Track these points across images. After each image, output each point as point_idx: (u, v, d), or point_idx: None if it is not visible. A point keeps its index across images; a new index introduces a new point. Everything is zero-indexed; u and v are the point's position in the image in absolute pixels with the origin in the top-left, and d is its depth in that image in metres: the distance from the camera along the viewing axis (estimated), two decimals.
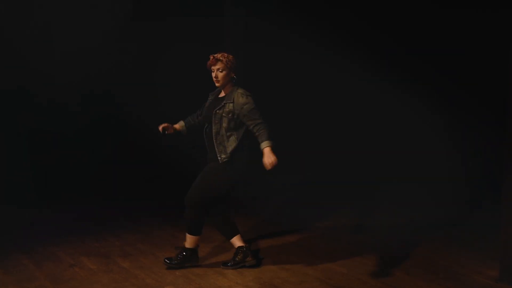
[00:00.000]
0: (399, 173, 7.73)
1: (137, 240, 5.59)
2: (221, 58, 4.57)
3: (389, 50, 8.23)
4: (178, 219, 6.07)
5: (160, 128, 4.77)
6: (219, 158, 4.58)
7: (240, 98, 4.56)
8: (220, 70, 4.58)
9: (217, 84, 4.64)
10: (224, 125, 4.56)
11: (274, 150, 4.39)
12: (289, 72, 7.98)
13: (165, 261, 4.74)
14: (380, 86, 8.07)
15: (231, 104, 4.56)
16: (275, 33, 7.92)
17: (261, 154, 4.41)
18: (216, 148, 4.60)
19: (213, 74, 4.61)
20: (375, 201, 7.07)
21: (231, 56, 4.61)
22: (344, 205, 6.92)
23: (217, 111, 4.59)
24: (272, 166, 4.34)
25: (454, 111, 7.93)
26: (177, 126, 4.88)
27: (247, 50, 7.29)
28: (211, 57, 4.59)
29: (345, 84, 8.25)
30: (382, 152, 8.08)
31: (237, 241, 4.79)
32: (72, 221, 6.35)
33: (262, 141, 4.43)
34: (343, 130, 8.31)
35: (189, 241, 4.75)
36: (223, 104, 4.59)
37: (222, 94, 4.71)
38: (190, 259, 4.77)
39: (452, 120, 7.88)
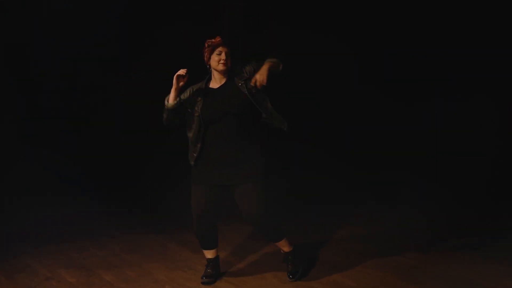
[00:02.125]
0: (413, 174, 7.62)
1: (122, 250, 5.37)
2: (225, 41, 4.30)
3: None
4: (167, 227, 6.02)
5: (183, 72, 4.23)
6: (247, 150, 4.31)
7: (246, 68, 4.37)
8: (228, 54, 4.29)
9: (222, 68, 4.30)
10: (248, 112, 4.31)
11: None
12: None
13: (290, 277, 4.55)
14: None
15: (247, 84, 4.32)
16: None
17: None
18: (239, 144, 4.30)
19: (221, 57, 4.28)
20: (385, 206, 6.79)
21: None
22: (351, 212, 6.63)
23: (242, 96, 4.27)
24: (260, 84, 4.17)
25: None
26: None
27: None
28: (217, 38, 4.28)
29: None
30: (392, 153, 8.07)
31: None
32: (48, 227, 6.07)
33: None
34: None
35: (285, 244, 4.57)
36: (245, 85, 4.30)
37: (223, 83, 4.35)
38: (300, 258, 4.68)
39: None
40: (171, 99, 4.25)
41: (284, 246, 4.57)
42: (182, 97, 4.30)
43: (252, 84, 4.22)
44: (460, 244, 5.38)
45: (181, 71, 4.21)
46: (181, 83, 4.24)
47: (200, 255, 5.04)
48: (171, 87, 4.23)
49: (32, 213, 6.54)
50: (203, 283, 4.50)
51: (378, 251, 5.24)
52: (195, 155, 4.33)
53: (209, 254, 4.59)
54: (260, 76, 4.17)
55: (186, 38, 7.73)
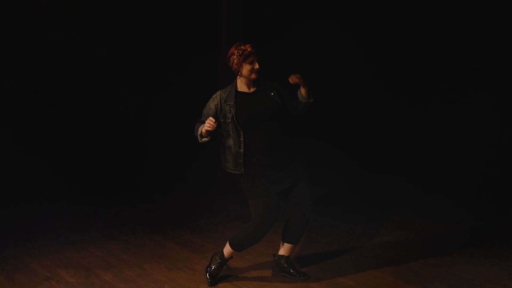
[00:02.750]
0: (415, 175, 7.69)
1: (121, 250, 5.33)
2: (255, 49, 4.29)
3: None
4: (167, 227, 5.98)
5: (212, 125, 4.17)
6: (289, 152, 4.37)
7: (274, 84, 4.44)
8: (258, 61, 4.28)
9: (254, 77, 4.30)
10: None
11: None
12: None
13: (305, 275, 4.56)
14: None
15: (278, 93, 4.38)
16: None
17: None
18: (283, 143, 4.35)
19: (254, 66, 4.26)
20: (385, 206, 6.78)
21: None
22: (351, 212, 6.61)
23: (275, 102, 4.33)
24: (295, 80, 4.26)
25: None
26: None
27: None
28: (249, 47, 4.25)
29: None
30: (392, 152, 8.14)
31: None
32: (47, 228, 6.02)
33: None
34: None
35: (293, 250, 4.64)
36: (277, 93, 4.36)
37: (252, 89, 4.35)
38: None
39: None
40: (204, 138, 4.25)
41: (291, 250, 4.56)
42: (211, 112, 4.29)
43: (290, 80, 4.27)
44: (460, 245, 5.37)
45: (211, 127, 4.13)
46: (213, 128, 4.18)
47: (200, 255, 5.08)
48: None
49: (32, 213, 6.51)
50: (212, 284, 4.46)
51: (378, 251, 5.23)
52: (241, 161, 4.28)
53: (232, 255, 4.55)
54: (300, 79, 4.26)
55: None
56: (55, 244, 5.43)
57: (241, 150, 4.26)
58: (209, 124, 4.12)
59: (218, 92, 4.36)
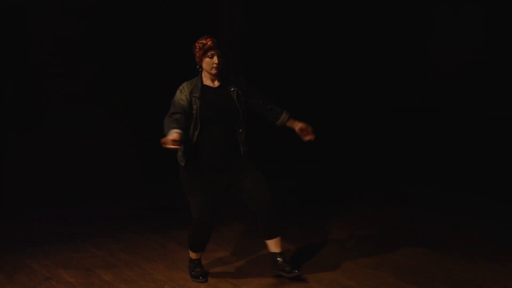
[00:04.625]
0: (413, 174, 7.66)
1: (121, 250, 5.31)
2: (217, 42, 4.27)
3: None
4: (167, 227, 5.96)
5: (172, 142, 3.95)
6: (242, 150, 4.37)
7: (239, 81, 4.44)
8: (220, 55, 4.26)
9: (215, 72, 4.29)
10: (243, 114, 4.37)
11: None
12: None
13: (296, 271, 4.45)
14: None
15: (238, 91, 4.38)
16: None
17: None
18: (238, 141, 4.36)
19: (213, 60, 4.24)
20: (386, 206, 6.75)
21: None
22: (351, 212, 6.58)
23: (238, 100, 4.33)
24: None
25: None
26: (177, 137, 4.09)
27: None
28: (209, 41, 4.23)
29: None
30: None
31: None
32: (47, 228, 6.01)
33: (281, 112, 4.46)
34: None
35: (279, 242, 4.53)
36: (236, 91, 4.35)
37: (216, 83, 4.35)
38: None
39: None
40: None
41: (279, 244, 4.49)
42: (184, 103, 4.23)
43: (305, 138, 4.38)
44: (460, 244, 5.36)
45: (173, 145, 3.93)
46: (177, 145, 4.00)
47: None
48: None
49: (32, 213, 6.50)
50: (205, 281, 4.47)
51: (378, 251, 5.21)
52: (185, 156, 4.27)
53: (198, 255, 4.57)
54: (308, 127, 4.39)
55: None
56: (55, 244, 5.41)
57: (192, 144, 4.25)
58: (174, 145, 3.93)
59: (184, 84, 4.34)
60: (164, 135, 4.05)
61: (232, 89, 4.33)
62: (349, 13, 8.37)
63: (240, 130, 4.34)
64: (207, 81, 4.34)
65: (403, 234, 5.70)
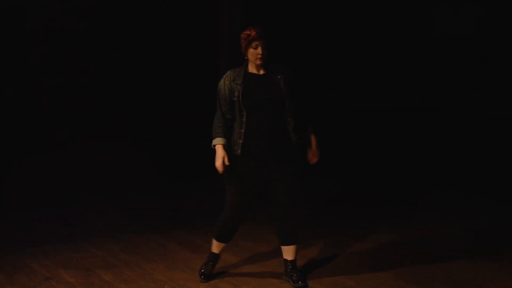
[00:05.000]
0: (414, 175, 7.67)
1: (121, 250, 5.30)
2: (263, 33, 4.23)
3: None
4: (167, 227, 5.96)
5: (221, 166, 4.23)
6: (293, 139, 4.31)
7: (287, 72, 4.36)
8: (264, 46, 4.23)
9: (259, 62, 4.26)
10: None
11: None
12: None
13: (300, 283, 4.40)
14: None
15: (285, 79, 4.33)
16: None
17: None
18: (287, 130, 4.31)
19: (257, 51, 4.22)
20: (386, 207, 6.74)
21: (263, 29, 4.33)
22: (351, 212, 6.59)
23: (285, 87, 4.28)
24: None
25: None
26: (222, 147, 4.28)
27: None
28: (253, 32, 4.21)
29: None
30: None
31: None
32: (47, 228, 6.01)
33: (310, 126, 4.45)
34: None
35: (294, 250, 4.52)
36: (283, 79, 4.30)
37: (262, 72, 4.33)
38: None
39: None
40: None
41: (291, 252, 4.48)
42: (223, 94, 4.28)
43: (312, 161, 4.43)
44: (460, 244, 5.36)
45: (221, 168, 4.21)
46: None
47: (200, 255, 5.04)
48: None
49: (32, 213, 6.50)
50: (204, 281, 4.48)
51: (378, 251, 5.21)
52: (240, 141, 4.25)
53: (219, 248, 4.58)
54: (318, 153, 4.45)
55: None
56: (55, 244, 5.40)
57: (242, 130, 4.24)
58: (220, 167, 4.20)
59: (229, 72, 4.36)
60: (211, 137, 4.30)
61: (279, 77, 4.29)
62: (349, 13, 8.37)
63: (289, 119, 4.29)
64: (252, 69, 4.33)
65: (403, 234, 5.69)
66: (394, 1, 8.27)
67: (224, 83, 4.30)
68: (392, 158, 8.35)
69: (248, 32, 4.22)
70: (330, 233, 5.79)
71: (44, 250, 5.23)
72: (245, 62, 4.34)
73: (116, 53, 7.61)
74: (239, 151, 4.25)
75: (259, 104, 4.22)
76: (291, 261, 4.47)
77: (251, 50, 4.23)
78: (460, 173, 7.78)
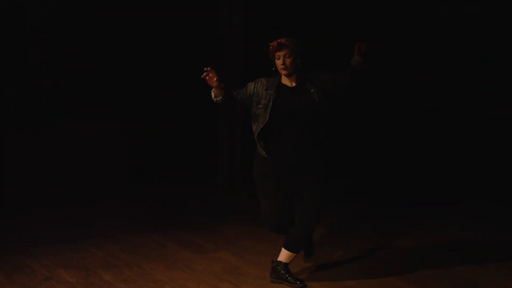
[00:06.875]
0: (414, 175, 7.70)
1: (121, 250, 5.29)
2: (286, 42, 4.19)
3: None
4: (167, 227, 5.95)
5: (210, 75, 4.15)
6: (323, 146, 4.32)
7: (321, 75, 4.32)
8: (287, 56, 4.20)
9: (284, 72, 4.25)
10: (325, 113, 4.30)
11: None
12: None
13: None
14: None
15: (321, 90, 4.27)
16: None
17: None
18: (317, 140, 4.30)
19: (279, 62, 4.21)
20: (386, 207, 6.74)
21: (295, 39, 4.26)
22: (351, 212, 6.59)
23: (319, 100, 4.24)
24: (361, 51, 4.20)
25: None
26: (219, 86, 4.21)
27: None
28: (275, 42, 4.20)
29: None
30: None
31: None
32: (47, 228, 5.99)
33: (349, 65, 4.25)
34: None
35: (292, 256, 4.50)
36: (317, 91, 4.26)
37: (293, 84, 4.30)
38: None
39: None
40: (218, 95, 4.21)
41: (288, 258, 4.46)
42: (248, 91, 4.29)
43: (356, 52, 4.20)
44: (460, 244, 5.36)
45: (205, 75, 4.14)
46: (215, 79, 4.14)
47: (200, 255, 5.06)
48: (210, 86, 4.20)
49: (32, 213, 6.48)
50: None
51: (379, 251, 5.21)
52: (268, 153, 4.28)
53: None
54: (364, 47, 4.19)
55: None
56: (55, 244, 5.39)
57: (262, 142, 4.27)
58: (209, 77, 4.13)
59: (262, 78, 4.36)
60: None
61: (312, 90, 4.26)
62: (349, 13, 8.37)
63: (321, 129, 4.28)
64: (284, 80, 4.31)
65: (403, 234, 5.69)
66: (394, 1, 8.26)
67: (255, 85, 4.30)
68: (392, 158, 8.34)
69: (272, 43, 4.22)
70: (330, 233, 5.78)
71: (44, 250, 5.22)
72: (279, 73, 4.33)
73: (116, 53, 7.59)
74: (266, 155, 4.29)
75: (288, 117, 4.22)
76: (284, 263, 4.46)
77: (276, 61, 4.23)
78: (460, 173, 7.79)
